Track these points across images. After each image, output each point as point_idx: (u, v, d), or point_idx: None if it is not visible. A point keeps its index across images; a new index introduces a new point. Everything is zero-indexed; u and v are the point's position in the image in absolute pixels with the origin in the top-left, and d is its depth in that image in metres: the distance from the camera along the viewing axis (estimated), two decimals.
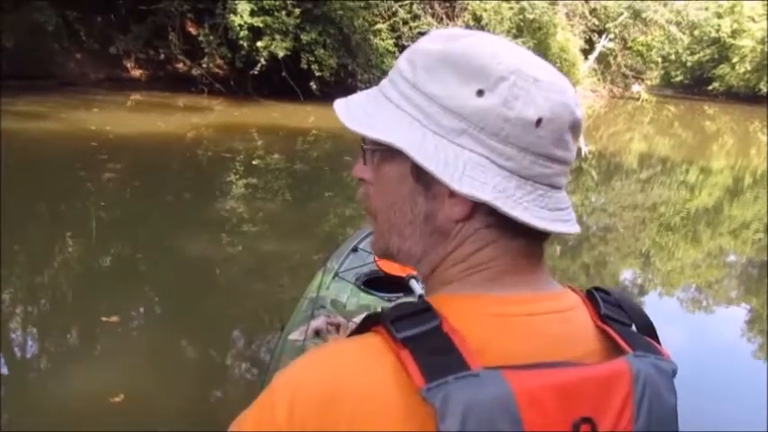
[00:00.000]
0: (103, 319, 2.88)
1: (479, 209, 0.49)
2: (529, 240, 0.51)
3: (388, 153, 0.52)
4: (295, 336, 1.88)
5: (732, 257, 5.99)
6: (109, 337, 2.81)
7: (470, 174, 0.48)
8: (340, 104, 0.56)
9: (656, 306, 4.36)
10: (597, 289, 0.56)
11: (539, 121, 0.48)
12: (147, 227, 4.54)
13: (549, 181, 0.50)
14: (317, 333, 1.82)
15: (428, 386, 0.43)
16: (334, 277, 2.18)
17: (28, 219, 4.31)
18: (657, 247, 5.91)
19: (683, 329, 3.87)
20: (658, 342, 0.55)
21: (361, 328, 0.50)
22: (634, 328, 0.54)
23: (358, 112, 0.54)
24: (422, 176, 0.50)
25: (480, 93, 0.48)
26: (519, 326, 0.49)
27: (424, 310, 0.47)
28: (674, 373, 0.51)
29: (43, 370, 2.65)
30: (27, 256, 3.74)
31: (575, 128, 0.52)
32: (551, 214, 0.50)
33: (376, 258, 2.12)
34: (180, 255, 3.93)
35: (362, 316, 0.62)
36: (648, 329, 0.56)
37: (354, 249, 2.43)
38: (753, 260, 5.86)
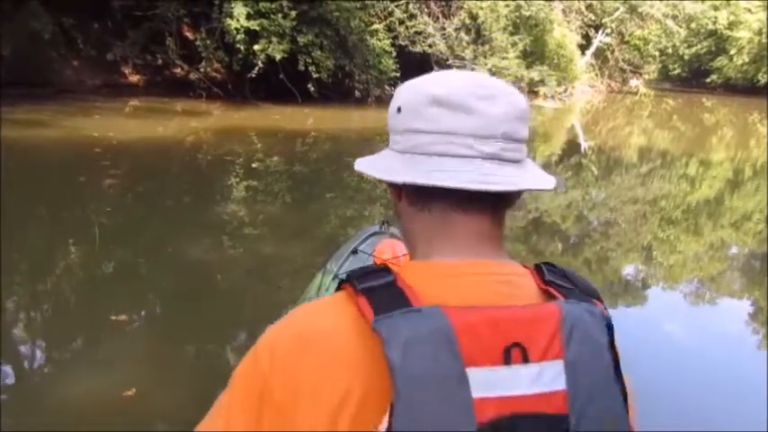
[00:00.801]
0: (113, 317, 2.90)
1: (403, 191, 0.64)
2: (445, 210, 0.62)
3: None
4: None
5: (734, 249, 5.98)
6: (112, 340, 2.82)
7: (370, 160, 0.68)
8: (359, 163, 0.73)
9: (658, 299, 4.36)
10: (544, 263, 0.64)
11: (399, 109, 0.64)
12: (149, 231, 4.54)
13: (422, 150, 0.61)
14: None
15: (376, 318, 0.52)
16: (333, 279, 2.18)
17: (29, 224, 4.32)
18: (659, 241, 5.91)
19: (685, 322, 3.87)
20: (601, 302, 0.62)
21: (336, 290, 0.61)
22: (577, 291, 0.61)
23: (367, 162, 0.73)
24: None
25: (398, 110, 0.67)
26: (464, 284, 0.59)
27: (383, 270, 0.59)
28: (608, 321, 0.58)
29: (56, 368, 2.66)
30: (30, 261, 3.75)
31: (437, 103, 0.61)
32: (423, 174, 0.60)
33: (375, 260, 2.12)
34: (181, 257, 3.94)
35: None
36: (592, 292, 0.62)
37: (354, 251, 2.41)
38: (754, 252, 5.86)
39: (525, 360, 0.53)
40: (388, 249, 2.20)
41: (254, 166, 7.29)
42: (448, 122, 0.61)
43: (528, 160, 0.65)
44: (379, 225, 2.64)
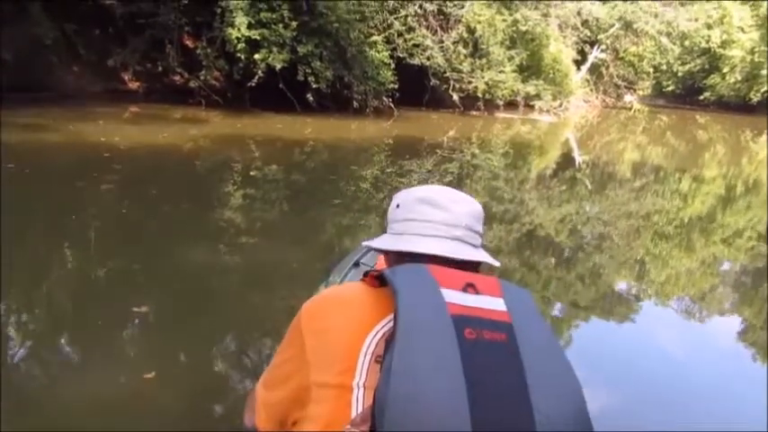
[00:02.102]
0: (134, 309, 2.93)
1: (390, 255, 1.02)
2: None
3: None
4: None
5: (726, 265, 6.07)
6: (101, 349, 2.85)
7: (377, 240, 1.05)
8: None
9: (652, 312, 4.43)
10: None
11: (398, 205, 1.03)
12: (150, 237, 4.58)
13: (413, 232, 0.97)
14: None
15: (386, 272, 0.84)
16: None
17: (29, 229, 4.35)
18: (652, 256, 5.99)
19: (679, 336, 3.94)
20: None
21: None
22: None
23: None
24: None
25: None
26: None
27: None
28: (530, 296, 0.87)
29: (70, 360, 2.69)
30: (30, 265, 3.78)
31: (423, 202, 0.99)
32: (408, 245, 0.96)
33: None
34: (180, 264, 3.98)
35: None
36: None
37: (356, 264, 2.43)
38: (747, 268, 5.95)
39: (477, 293, 0.81)
40: None
41: (252, 174, 7.35)
42: (429, 214, 0.96)
43: (481, 248, 0.98)
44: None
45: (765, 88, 27.92)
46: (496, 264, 0.96)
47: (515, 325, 0.77)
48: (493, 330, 0.75)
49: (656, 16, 23.41)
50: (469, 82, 15.81)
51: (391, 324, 0.74)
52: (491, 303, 0.79)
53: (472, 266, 0.94)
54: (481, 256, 0.96)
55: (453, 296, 0.77)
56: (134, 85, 12.77)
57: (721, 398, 2.90)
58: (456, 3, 15.60)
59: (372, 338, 0.78)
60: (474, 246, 0.96)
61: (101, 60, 11.53)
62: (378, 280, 0.84)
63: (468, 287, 0.80)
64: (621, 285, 5.14)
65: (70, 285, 3.64)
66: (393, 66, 13.58)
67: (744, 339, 4.09)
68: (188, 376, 2.67)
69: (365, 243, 1.05)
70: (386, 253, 1.01)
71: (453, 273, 0.83)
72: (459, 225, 0.95)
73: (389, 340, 0.72)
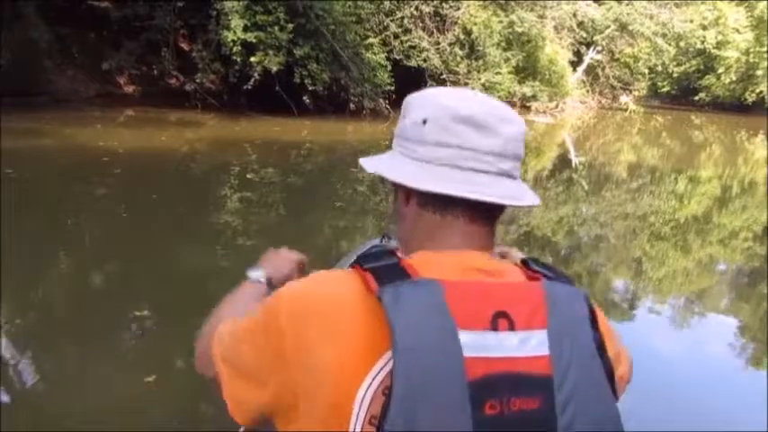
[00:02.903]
0: (136, 313, 2.91)
1: (413, 194, 0.71)
2: (458, 215, 0.69)
3: None
4: None
5: (724, 265, 6.08)
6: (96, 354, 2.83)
7: (389, 166, 0.73)
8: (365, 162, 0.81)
9: (649, 312, 4.43)
10: (529, 258, 0.73)
11: (424, 121, 0.70)
12: (151, 241, 4.56)
13: (448, 162, 0.68)
14: None
15: (381, 288, 0.59)
16: None
17: (31, 235, 4.32)
18: (648, 256, 5.99)
19: (677, 336, 3.94)
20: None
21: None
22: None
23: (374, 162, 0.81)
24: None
25: (403, 117, 0.75)
26: (460, 266, 0.66)
27: (387, 253, 0.66)
28: (587, 297, 0.66)
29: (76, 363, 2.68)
30: (32, 270, 3.76)
31: (464, 122, 0.69)
32: (447, 183, 0.67)
33: None
34: (180, 267, 3.96)
35: None
36: (571, 283, 0.70)
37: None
38: (744, 267, 5.96)
39: (511, 328, 0.59)
40: None
41: (249, 176, 7.33)
42: (473, 140, 0.68)
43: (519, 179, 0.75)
44: (380, 239, 2.69)
45: (760, 89, 28.05)
46: (537, 201, 0.72)
47: (557, 377, 0.58)
48: (524, 395, 0.57)
49: (651, 17, 23.49)
50: (466, 83, 15.83)
51: (389, 368, 0.56)
52: (528, 344, 0.58)
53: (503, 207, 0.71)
54: (530, 197, 0.71)
55: (475, 343, 0.57)
56: (129, 89, 12.74)
57: (721, 398, 2.89)
58: (452, 4, 15.63)
59: (366, 390, 0.58)
60: (516, 178, 0.71)
61: (96, 64, 11.50)
62: (377, 281, 0.60)
63: (500, 318, 0.58)
64: (618, 286, 5.14)
65: (71, 289, 3.62)
66: (389, 68, 13.59)
67: (743, 339, 4.09)
68: (188, 379, 2.65)
69: (372, 169, 0.74)
70: (404, 189, 0.71)
71: (479, 294, 0.60)
72: (508, 155, 0.69)
73: (386, 401, 0.55)
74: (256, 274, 0.98)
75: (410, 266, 0.63)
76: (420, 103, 0.73)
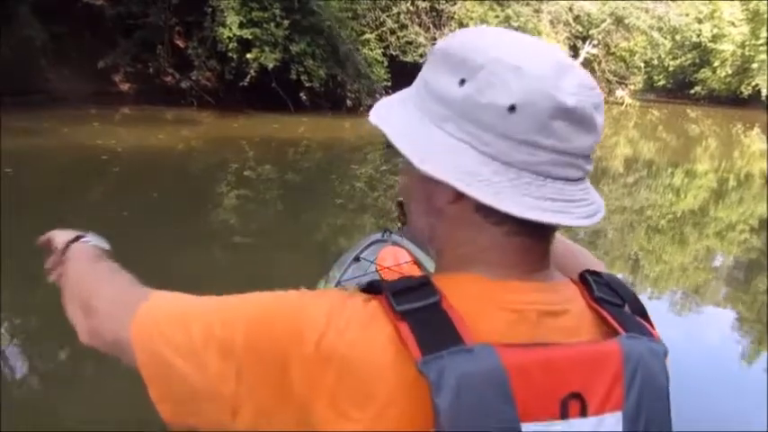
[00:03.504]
0: None
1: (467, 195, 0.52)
2: (521, 229, 0.52)
3: None
4: None
5: (721, 259, 6.11)
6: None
7: (440, 156, 0.50)
8: (379, 107, 0.59)
9: (647, 308, 4.45)
10: (589, 272, 0.57)
11: (512, 108, 0.49)
12: (147, 239, 4.57)
13: (537, 169, 0.50)
14: None
15: (424, 359, 0.45)
16: (336, 286, 2.22)
17: (34, 234, 4.32)
18: (645, 250, 6.03)
19: (675, 333, 3.96)
20: (650, 322, 0.57)
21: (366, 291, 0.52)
22: (627, 308, 0.56)
23: (383, 111, 0.59)
24: None
25: (462, 82, 0.51)
26: (510, 314, 0.50)
27: (423, 285, 0.50)
28: (666, 354, 0.53)
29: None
30: (34, 269, 3.76)
31: (565, 116, 0.49)
32: (535, 202, 0.50)
33: (378, 267, 2.18)
34: (177, 265, 3.97)
35: None
36: (640, 310, 0.57)
37: (356, 259, 2.46)
38: (742, 262, 6.00)
39: (583, 413, 0.48)
40: (390, 257, 2.27)
41: (246, 174, 7.33)
42: (571, 140, 0.50)
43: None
44: (381, 233, 2.71)
45: (756, 82, 28.13)
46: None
47: None
48: None
49: (647, 11, 23.51)
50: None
51: None
52: (599, 431, 0.49)
53: None
54: (598, 200, 0.56)
55: None
56: (125, 87, 12.70)
57: (721, 398, 2.90)
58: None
59: None
60: (565, 179, 0.52)
61: (91, 62, 11.46)
62: (416, 339, 0.46)
63: (571, 400, 0.48)
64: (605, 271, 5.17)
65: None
66: (386, 63, 13.58)
67: (743, 336, 4.11)
68: None
69: (421, 165, 0.51)
70: (454, 195, 0.52)
71: (548, 369, 0.48)
72: (591, 153, 0.54)
73: None
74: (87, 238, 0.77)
75: (455, 312, 0.48)
76: (495, 70, 0.50)
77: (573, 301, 0.54)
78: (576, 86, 0.51)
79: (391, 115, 0.56)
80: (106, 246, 0.78)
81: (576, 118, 0.50)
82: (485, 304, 0.51)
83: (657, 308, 4.49)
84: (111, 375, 2.65)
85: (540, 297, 0.52)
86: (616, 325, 0.53)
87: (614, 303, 0.55)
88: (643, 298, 4.11)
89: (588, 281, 0.56)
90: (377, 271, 2.21)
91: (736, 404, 2.83)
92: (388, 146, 0.55)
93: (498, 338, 0.48)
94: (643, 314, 0.57)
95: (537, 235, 0.53)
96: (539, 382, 0.47)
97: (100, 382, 2.55)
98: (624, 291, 0.57)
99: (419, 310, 0.48)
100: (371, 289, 0.52)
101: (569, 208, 0.51)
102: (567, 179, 0.52)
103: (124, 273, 0.70)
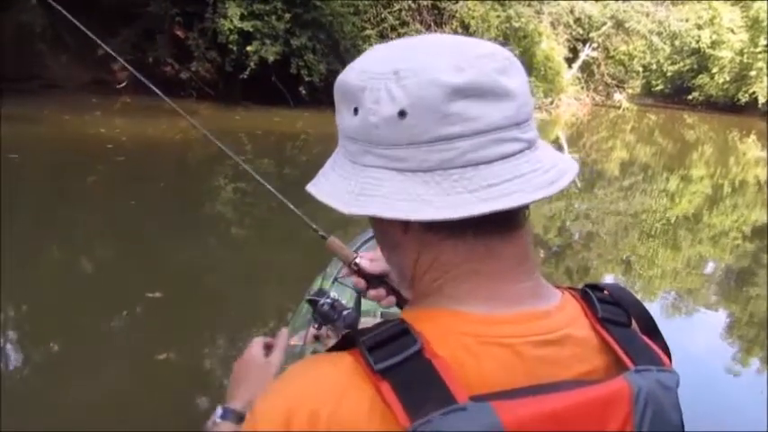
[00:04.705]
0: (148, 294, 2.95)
1: (395, 229, 0.50)
2: (480, 232, 0.47)
3: None
4: (294, 340, 1.92)
5: (717, 264, 6.17)
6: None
7: (368, 192, 0.47)
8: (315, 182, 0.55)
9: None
10: (592, 287, 0.53)
11: (402, 113, 0.45)
12: (153, 229, 4.58)
13: (461, 161, 0.45)
14: (317, 338, 1.85)
15: (413, 426, 0.40)
16: (333, 282, 2.20)
17: (38, 220, 4.33)
18: (639, 254, 6.07)
19: (672, 335, 4.00)
20: (660, 336, 0.54)
21: (338, 347, 0.48)
22: (634, 324, 0.53)
23: (321, 179, 0.56)
24: None
25: (355, 111, 0.48)
26: (500, 350, 0.45)
27: (402, 334, 0.44)
28: (677, 383, 0.49)
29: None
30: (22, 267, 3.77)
31: (461, 95, 0.45)
32: (471, 196, 0.45)
33: None
34: (172, 260, 3.98)
35: (363, 320, 0.71)
36: (648, 324, 0.54)
37: None
38: (739, 267, 6.05)
39: None
40: None
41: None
42: (485, 116, 0.45)
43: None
44: None
45: (753, 89, 28.25)
46: (577, 167, 0.51)
47: None
48: None
49: (647, 15, 23.56)
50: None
51: None
52: None
53: None
54: (569, 161, 0.51)
55: None
56: (123, 76, 12.64)
57: (720, 397, 2.92)
58: None
59: None
60: (491, 161, 0.46)
61: (90, 50, 11.39)
62: (401, 401, 0.41)
63: None
64: (609, 282, 5.22)
65: (85, 271, 3.68)
66: None
67: (741, 339, 4.16)
68: (197, 357, 2.73)
69: (329, 197, 0.50)
70: (397, 223, 0.49)
71: (550, 424, 0.43)
72: (526, 116, 0.48)
73: None
74: (228, 419, 0.71)
75: (442, 363, 0.43)
76: (374, 86, 0.47)
77: (573, 323, 0.49)
78: (471, 59, 0.46)
79: (323, 179, 0.53)
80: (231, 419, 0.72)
81: (477, 92, 0.45)
82: (469, 343, 0.45)
83: (653, 310, 4.53)
84: (110, 376, 2.68)
85: (532, 326, 0.47)
86: (624, 356, 0.48)
87: (620, 323, 0.51)
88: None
89: (591, 298, 0.51)
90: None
91: (736, 405, 2.85)
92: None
93: (492, 385, 0.43)
94: (652, 330, 0.54)
95: (499, 233, 0.48)
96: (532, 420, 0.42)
97: (100, 380, 2.57)
98: (631, 305, 0.53)
99: (400, 365, 0.42)
100: (345, 342, 0.47)
101: (517, 186, 0.46)
102: (504, 156, 0.46)
103: None
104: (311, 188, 0.52)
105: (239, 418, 0.69)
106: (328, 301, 0.81)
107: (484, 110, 0.45)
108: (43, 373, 2.65)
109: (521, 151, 0.47)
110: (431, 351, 0.43)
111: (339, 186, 0.49)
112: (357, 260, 0.84)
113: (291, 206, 0.95)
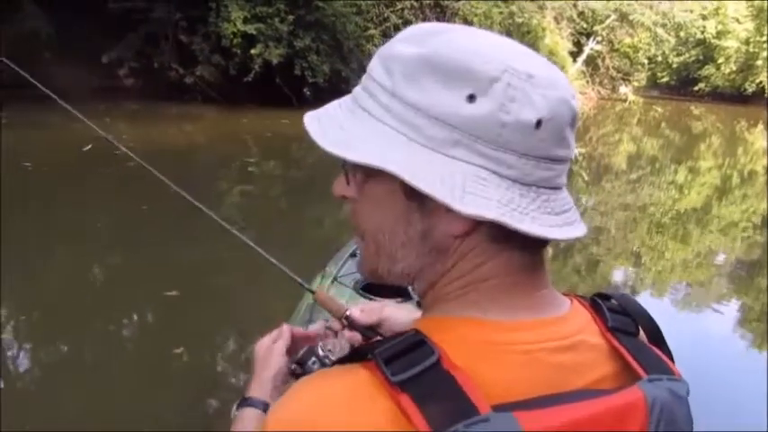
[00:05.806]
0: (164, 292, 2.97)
1: (482, 222, 0.45)
2: (532, 251, 0.48)
3: (372, 170, 0.46)
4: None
5: (723, 256, 6.13)
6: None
7: (472, 190, 0.43)
8: (311, 120, 0.50)
9: (648, 305, 4.48)
10: (601, 296, 0.53)
11: (538, 123, 0.44)
12: (146, 235, 4.61)
13: (551, 183, 0.46)
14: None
15: None
16: (332, 282, 2.18)
17: (51, 227, 4.38)
18: (648, 247, 6.05)
19: (676, 330, 3.99)
20: (666, 345, 0.54)
21: (349, 360, 0.46)
22: (642, 334, 0.53)
23: (333, 130, 0.49)
24: (414, 192, 0.44)
25: (471, 98, 0.43)
26: (519, 357, 0.45)
27: (418, 344, 0.43)
28: (688, 392, 0.49)
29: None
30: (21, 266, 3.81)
31: (574, 122, 0.47)
32: (557, 218, 0.46)
33: None
34: (178, 261, 4.01)
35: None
36: (655, 334, 0.54)
37: (353, 254, 2.41)
38: (743, 259, 6.01)
39: None
40: None
41: (249, 170, 7.36)
42: (566, 148, 0.47)
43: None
44: None
45: (760, 79, 28.02)
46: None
47: None
48: None
49: (651, 7, 23.41)
50: None
51: None
52: None
53: None
54: (574, 219, 0.50)
55: None
56: (129, 82, 12.73)
57: (720, 397, 2.91)
58: None
59: None
60: (562, 188, 0.49)
61: (95, 56, 11.48)
62: (424, 416, 0.40)
63: None
64: (618, 277, 5.19)
65: (100, 274, 3.72)
66: None
67: (743, 334, 4.13)
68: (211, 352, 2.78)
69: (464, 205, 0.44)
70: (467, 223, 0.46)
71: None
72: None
73: None
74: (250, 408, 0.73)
75: (462, 375, 0.42)
76: (512, 82, 0.44)
77: (585, 330, 0.49)
78: (571, 90, 0.47)
79: (373, 148, 0.46)
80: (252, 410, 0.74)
81: (575, 123, 0.47)
82: (488, 352, 0.44)
83: (658, 305, 4.52)
84: (110, 375, 2.71)
85: (548, 332, 0.47)
86: (636, 365, 0.48)
87: (629, 332, 0.51)
88: (645, 295, 4.13)
89: (600, 307, 0.52)
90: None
91: (735, 402, 2.85)
92: (345, 167, 0.49)
93: (513, 394, 0.43)
94: (659, 339, 0.54)
95: (537, 250, 0.49)
96: None
97: (101, 379, 2.60)
98: (638, 314, 0.53)
99: (419, 376, 0.41)
100: (357, 356, 0.45)
101: (574, 215, 0.48)
102: (562, 187, 0.48)
103: None
104: (387, 164, 0.45)
105: (261, 405, 0.73)
106: (317, 362, 0.78)
107: (572, 143, 0.47)
108: (71, 371, 2.70)
109: (563, 187, 0.49)
110: (449, 361, 0.42)
111: (437, 171, 0.44)
112: (348, 313, 0.81)
113: (274, 260, 0.92)
